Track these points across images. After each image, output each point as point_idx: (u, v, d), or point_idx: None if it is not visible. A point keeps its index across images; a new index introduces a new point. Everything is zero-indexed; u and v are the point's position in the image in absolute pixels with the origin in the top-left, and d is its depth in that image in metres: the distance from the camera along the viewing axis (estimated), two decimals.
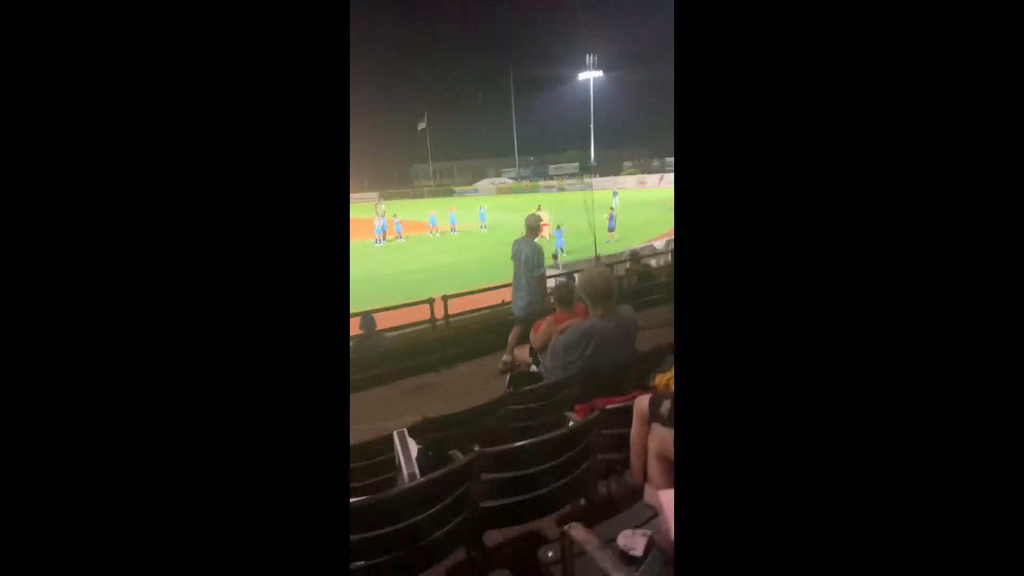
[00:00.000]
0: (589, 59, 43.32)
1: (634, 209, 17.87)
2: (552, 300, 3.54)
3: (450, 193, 46.06)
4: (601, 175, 40.96)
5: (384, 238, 17.66)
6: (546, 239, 15.92)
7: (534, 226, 4.57)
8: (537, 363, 3.06)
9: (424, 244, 17.27)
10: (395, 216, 18.97)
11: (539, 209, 17.22)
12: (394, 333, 5.17)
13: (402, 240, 17.99)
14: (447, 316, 5.29)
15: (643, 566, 0.74)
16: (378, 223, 17.80)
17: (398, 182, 54.43)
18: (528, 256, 4.42)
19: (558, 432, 1.58)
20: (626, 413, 1.77)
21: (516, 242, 4.57)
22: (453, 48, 58.49)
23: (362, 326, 4.74)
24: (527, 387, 2.44)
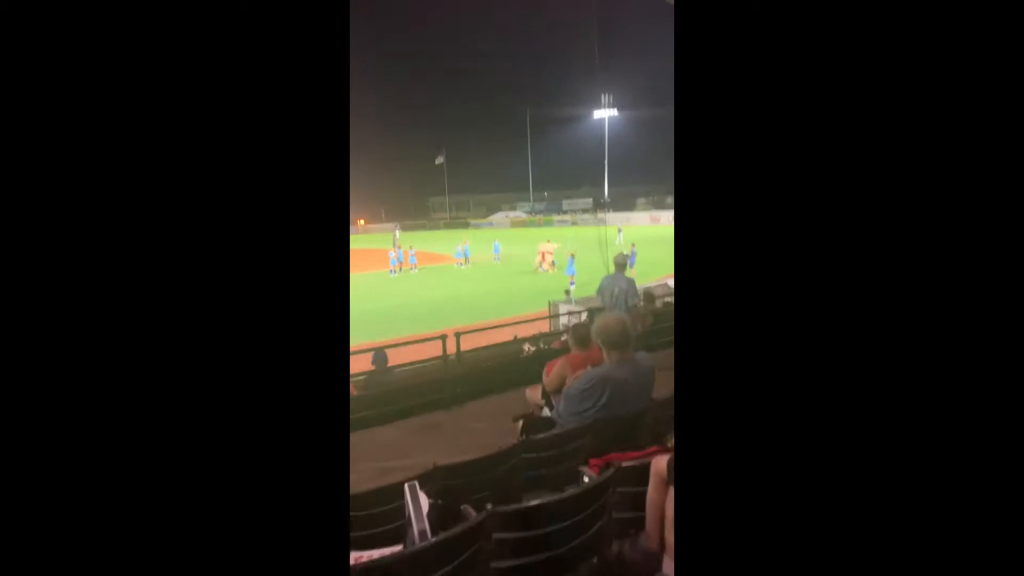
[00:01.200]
0: (605, 98, 44.40)
1: (647, 246, 17.87)
2: (568, 339, 3.53)
3: (465, 226, 46.75)
4: (615, 210, 41.34)
5: (400, 268, 17.91)
6: (549, 272, 16.11)
7: (623, 263, 5.22)
8: (550, 406, 3.01)
9: (437, 275, 17.46)
10: (411, 247, 19.28)
11: (547, 243, 17.53)
12: (406, 369, 5.16)
13: (415, 272, 18.20)
14: (459, 352, 5.27)
15: None
16: (394, 254, 18.10)
17: (415, 214, 55.39)
18: (623, 288, 5.02)
19: (573, 491, 1.54)
20: (642, 470, 1.72)
21: (606, 278, 5.13)
22: (472, 86, 60.55)
23: (374, 362, 4.74)
24: (540, 435, 2.40)
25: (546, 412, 3.05)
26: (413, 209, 56.53)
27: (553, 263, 16.84)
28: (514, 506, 1.46)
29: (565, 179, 53.56)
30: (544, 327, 7.84)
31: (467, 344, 5.39)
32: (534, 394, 3.46)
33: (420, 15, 54.79)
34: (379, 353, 4.79)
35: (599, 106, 45.23)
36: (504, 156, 54.70)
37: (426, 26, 55.47)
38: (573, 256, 14.28)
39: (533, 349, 5.90)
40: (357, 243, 33.23)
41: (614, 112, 45.48)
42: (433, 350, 5.23)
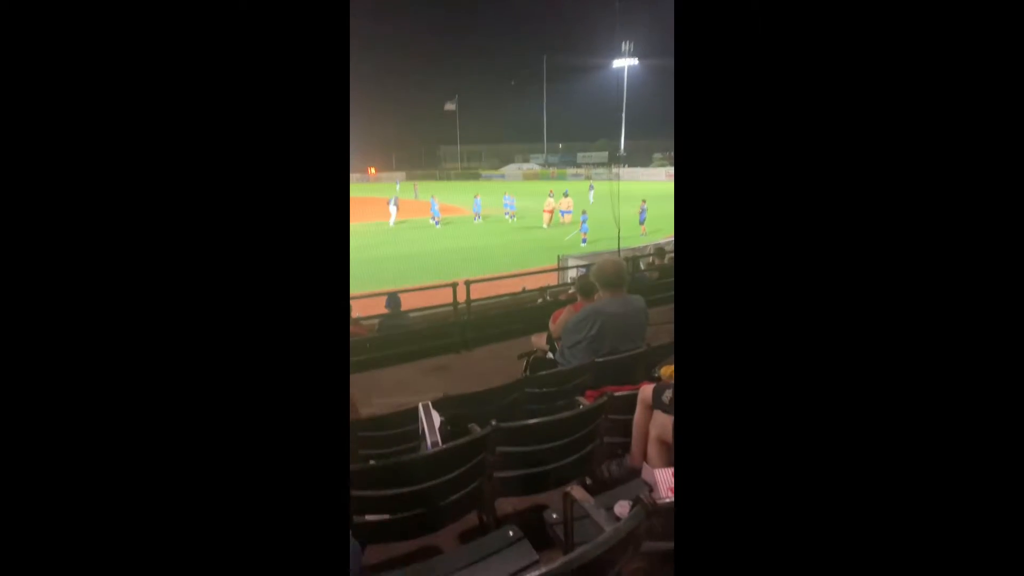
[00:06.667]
0: (625, 46, 42.47)
1: (660, 202, 17.65)
2: (574, 290, 3.68)
3: (476, 177, 46.15)
4: (630, 165, 40.46)
5: (437, 221, 17.27)
6: (563, 224, 16.04)
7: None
8: (554, 350, 3.21)
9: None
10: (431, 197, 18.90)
11: (550, 194, 17.27)
12: (418, 314, 5.37)
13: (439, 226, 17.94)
14: (468, 300, 5.46)
15: (627, 519, 0.89)
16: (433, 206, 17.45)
17: (426, 163, 54.58)
18: None
19: (568, 413, 1.72)
20: (632, 401, 1.90)
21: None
22: (488, 33, 58.01)
23: (388, 305, 4.95)
24: (543, 372, 2.59)
25: (550, 355, 3.25)
26: (424, 158, 55.68)
27: (563, 213, 16.76)
28: (516, 423, 1.65)
29: (581, 131, 52.13)
30: (552, 280, 8.00)
31: (477, 294, 5.56)
32: (539, 340, 3.65)
33: None
34: (393, 297, 4.97)
35: (618, 54, 43.36)
36: (519, 105, 53.16)
37: None
38: (586, 213, 14.24)
39: (540, 300, 6.07)
40: (369, 192, 32.95)
41: (634, 61, 43.60)
42: (444, 298, 5.43)
